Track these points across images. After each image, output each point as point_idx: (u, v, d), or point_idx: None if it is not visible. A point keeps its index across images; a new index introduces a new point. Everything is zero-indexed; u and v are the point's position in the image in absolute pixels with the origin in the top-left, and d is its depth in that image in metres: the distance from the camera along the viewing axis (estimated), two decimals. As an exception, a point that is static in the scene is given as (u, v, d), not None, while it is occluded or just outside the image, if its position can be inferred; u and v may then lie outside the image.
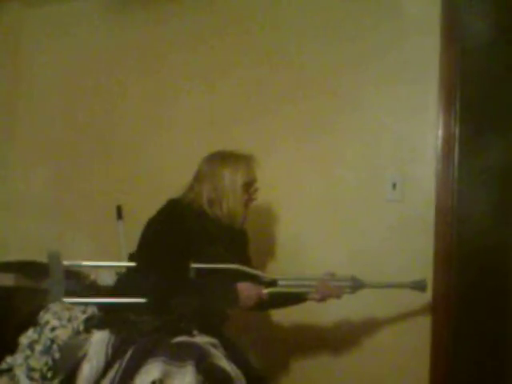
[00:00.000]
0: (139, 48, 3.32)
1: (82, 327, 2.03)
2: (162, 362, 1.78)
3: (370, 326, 2.70)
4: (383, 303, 2.65)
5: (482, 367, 3.14)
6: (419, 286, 2.39)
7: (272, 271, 2.72)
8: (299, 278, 2.38)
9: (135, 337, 1.91)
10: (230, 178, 2.35)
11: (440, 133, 2.62)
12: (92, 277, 2.88)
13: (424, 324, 2.62)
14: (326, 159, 2.84)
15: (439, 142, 2.62)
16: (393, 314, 2.66)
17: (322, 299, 2.32)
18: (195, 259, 2.15)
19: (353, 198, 2.78)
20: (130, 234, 2.85)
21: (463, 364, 2.77)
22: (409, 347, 2.64)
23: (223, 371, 1.84)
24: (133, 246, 2.37)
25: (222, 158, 2.40)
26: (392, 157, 2.72)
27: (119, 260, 2.85)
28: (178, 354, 1.81)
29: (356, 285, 2.33)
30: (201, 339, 1.95)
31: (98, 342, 1.89)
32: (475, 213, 2.83)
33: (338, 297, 2.33)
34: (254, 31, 3.04)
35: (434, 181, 2.62)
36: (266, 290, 2.23)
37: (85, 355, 1.88)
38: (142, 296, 2.12)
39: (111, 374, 1.81)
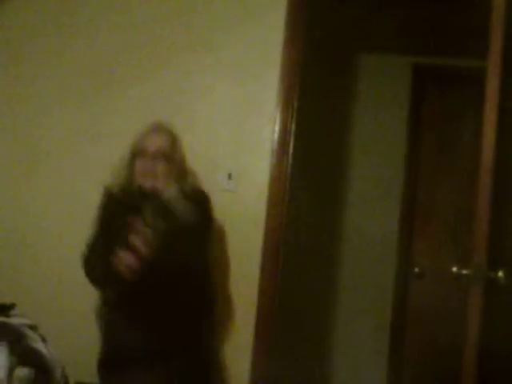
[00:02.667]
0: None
1: None
2: (-28, 342, 1.66)
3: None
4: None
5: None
6: None
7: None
8: None
9: None
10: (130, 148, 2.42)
11: (277, 128, 2.69)
12: None
13: (249, 317, 2.67)
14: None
15: (275, 136, 2.68)
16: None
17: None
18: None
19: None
20: None
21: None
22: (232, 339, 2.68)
23: (38, 353, 1.76)
24: None
25: None
26: (229, 147, 2.75)
27: None
28: (-9, 335, 1.70)
29: None
30: (17, 320, 1.86)
31: None
32: (305, 207, 2.94)
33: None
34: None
35: (268, 174, 2.68)
36: None
37: None
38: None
39: None
